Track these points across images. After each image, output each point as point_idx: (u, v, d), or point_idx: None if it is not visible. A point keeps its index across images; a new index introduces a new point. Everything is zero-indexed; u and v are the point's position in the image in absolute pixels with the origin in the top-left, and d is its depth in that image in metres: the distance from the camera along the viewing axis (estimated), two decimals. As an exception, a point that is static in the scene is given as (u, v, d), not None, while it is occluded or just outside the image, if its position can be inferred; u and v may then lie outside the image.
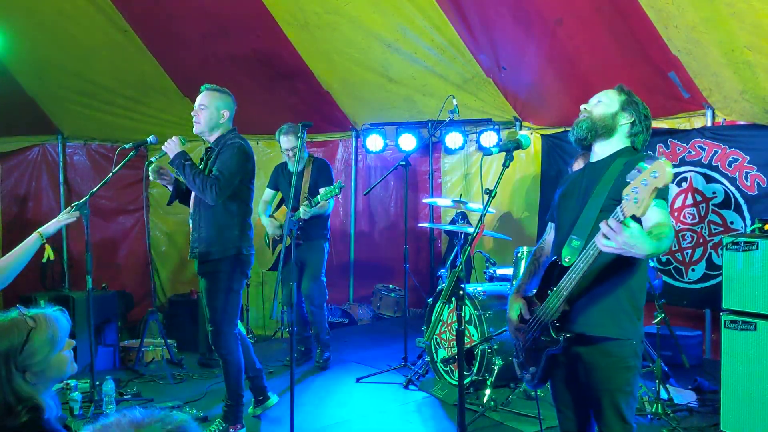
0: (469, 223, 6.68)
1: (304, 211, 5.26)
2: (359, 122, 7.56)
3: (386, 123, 7.25)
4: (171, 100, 7.57)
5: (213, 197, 3.98)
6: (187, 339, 6.57)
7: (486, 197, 2.78)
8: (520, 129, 6.93)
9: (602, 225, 2.26)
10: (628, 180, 2.19)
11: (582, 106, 2.83)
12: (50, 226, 3.27)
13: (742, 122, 5.48)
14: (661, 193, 2.41)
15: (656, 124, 6.09)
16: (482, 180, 7.20)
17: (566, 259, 2.62)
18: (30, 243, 3.09)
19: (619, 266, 2.58)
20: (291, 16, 6.42)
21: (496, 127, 6.89)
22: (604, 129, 2.75)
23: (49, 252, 3.18)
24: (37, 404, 2.02)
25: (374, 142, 7.25)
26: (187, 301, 6.95)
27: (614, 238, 2.22)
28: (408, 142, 6.99)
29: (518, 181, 7.07)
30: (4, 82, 6.77)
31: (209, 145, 4.25)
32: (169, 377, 5.57)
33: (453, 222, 5.76)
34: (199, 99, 4.22)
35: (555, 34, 5.69)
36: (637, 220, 2.37)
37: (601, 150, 2.79)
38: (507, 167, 2.82)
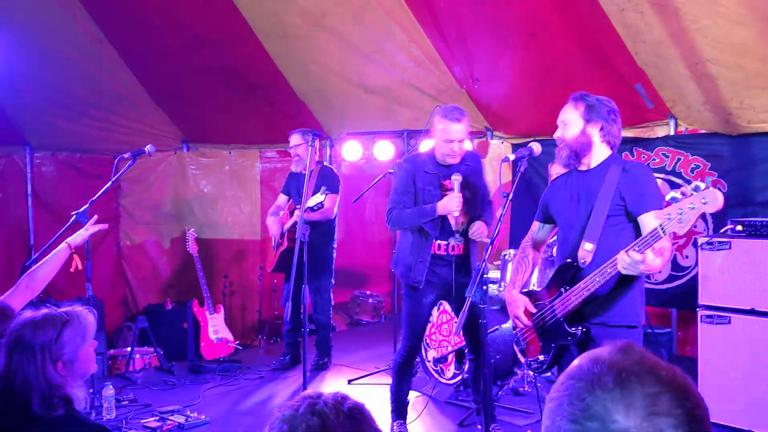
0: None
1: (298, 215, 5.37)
2: (334, 132, 7.68)
3: (363, 132, 7.39)
4: (142, 110, 7.57)
5: None
6: (166, 347, 6.54)
7: (504, 200, 2.99)
8: (491, 138, 7.18)
9: (623, 255, 2.57)
10: (669, 201, 2.44)
11: (554, 136, 3.07)
12: (77, 237, 3.29)
13: (703, 131, 5.82)
14: None
15: (623, 133, 6.41)
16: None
17: (582, 262, 2.86)
18: (60, 253, 3.12)
19: None
20: (270, 27, 6.52)
21: (469, 136, 7.09)
22: (581, 147, 2.99)
23: (77, 261, 3.22)
24: (67, 394, 2.19)
25: (351, 150, 7.35)
26: (162, 310, 6.93)
27: (636, 267, 2.53)
28: (384, 150, 7.14)
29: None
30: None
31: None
32: (162, 383, 5.60)
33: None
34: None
35: (528, 47, 5.95)
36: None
37: (589, 161, 3.03)
38: (520, 172, 3.04)
